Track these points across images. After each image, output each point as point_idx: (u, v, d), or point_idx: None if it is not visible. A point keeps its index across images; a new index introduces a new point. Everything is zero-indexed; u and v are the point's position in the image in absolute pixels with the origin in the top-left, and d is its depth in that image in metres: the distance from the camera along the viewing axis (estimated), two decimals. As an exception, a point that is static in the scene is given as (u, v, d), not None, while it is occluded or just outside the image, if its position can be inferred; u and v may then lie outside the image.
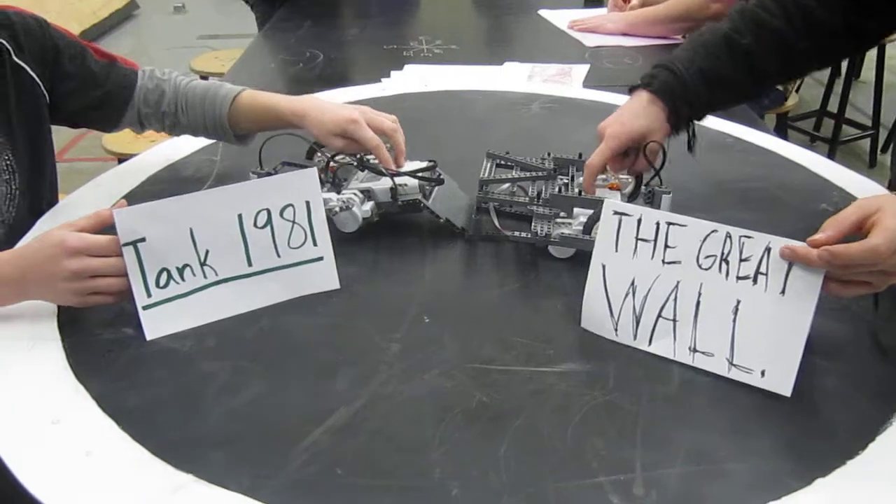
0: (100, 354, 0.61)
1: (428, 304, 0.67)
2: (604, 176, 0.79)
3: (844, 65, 2.65)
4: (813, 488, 0.49)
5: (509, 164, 0.86)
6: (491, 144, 0.87)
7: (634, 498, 0.48)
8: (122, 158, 1.61)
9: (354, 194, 0.75)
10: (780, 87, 1.78)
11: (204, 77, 2.33)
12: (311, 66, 1.41)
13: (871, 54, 2.63)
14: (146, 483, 0.49)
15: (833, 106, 2.66)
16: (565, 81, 1.35)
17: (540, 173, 0.82)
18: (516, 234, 0.75)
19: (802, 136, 2.63)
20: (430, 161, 0.79)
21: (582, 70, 1.40)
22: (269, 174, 0.77)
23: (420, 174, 0.76)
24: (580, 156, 0.83)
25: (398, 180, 0.76)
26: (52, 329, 0.63)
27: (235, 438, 0.53)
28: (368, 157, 0.79)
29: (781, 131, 2.05)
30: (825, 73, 2.77)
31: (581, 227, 0.71)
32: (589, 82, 1.33)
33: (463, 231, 0.78)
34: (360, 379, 0.58)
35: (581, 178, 0.77)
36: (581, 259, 0.70)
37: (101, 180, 0.90)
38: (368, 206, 0.76)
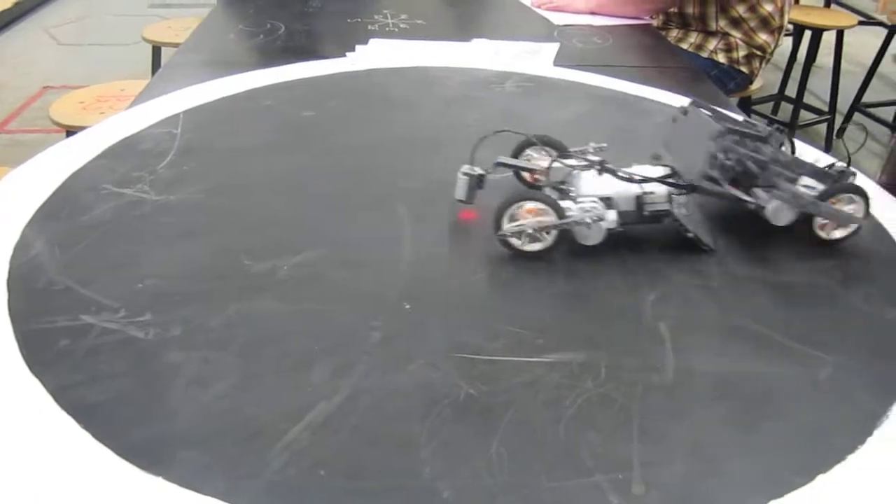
0: (55, 345, 0.56)
1: (408, 290, 0.64)
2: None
3: (804, 50, 2.67)
4: (815, 485, 0.47)
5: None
6: (469, 123, 0.84)
7: (634, 497, 0.46)
8: (70, 131, 1.54)
9: (594, 202, 0.68)
10: (745, 71, 1.78)
11: (157, 46, 2.26)
12: (272, 38, 1.36)
13: (830, 39, 2.66)
14: (111, 487, 0.45)
15: (791, 91, 2.69)
16: (536, 60, 1.32)
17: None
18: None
19: (762, 119, 2.66)
20: (667, 166, 0.72)
21: (551, 49, 1.37)
22: (481, 176, 0.73)
23: (669, 180, 0.70)
24: None
25: (646, 187, 0.69)
26: (1, 316, 0.58)
27: (208, 437, 0.49)
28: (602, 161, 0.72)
29: (744, 115, 2.06)
30: (784, 58, 2.80)
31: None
32: (559, 61, 1.31)
33: (711, 249, 0.71)
34: (340, 370, 0.55)
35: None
36: (569, 245, 0.68)
37: (47, 154, 0.84)
38: (612, 215, 0.69)
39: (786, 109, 2.71)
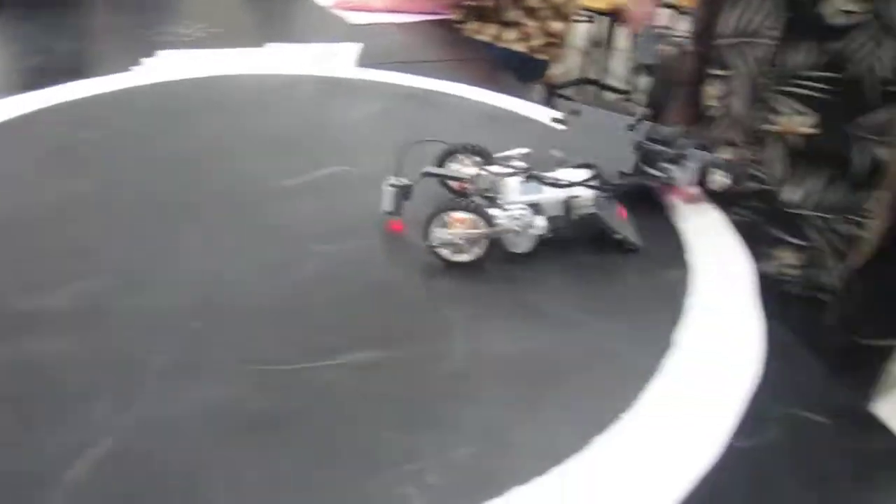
0: None
1: (198, 308, 0.62)
2: None
3: (604, 34, 2.83)
4: (592, 447, 0.50)
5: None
6: (262, 131, 0.82)
7: (429, 486, 0.47)
8: None
9: (523, 209, 0.67)
10: (544, 58, 1.86)
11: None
12: (51, 58, 1.27)
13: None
14: None
15: (594, 74, 2.85)
16: (337, 61, 1.32)
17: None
18: None
19: (568, 103, 2.78)
20: (590, 167, 0.71)
21: (351, 49, 1.37)
22: (407, 187, 0.70)
23: (593, 182, 0.69)
24: None
25: (571, 192, 0.68)
26: None
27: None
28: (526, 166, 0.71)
29: (549, 100, 2.15)
30: (585, 43, 2.96)
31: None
32: (359, 61, 1.31)
33: (637, 249, 0.71)
34: (123, 402, 0.52)
35: None
36: (366, 244, 0.68)
37: None
38: (540, 221, 0.68)
39: (588, 92, 2.87)
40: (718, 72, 0.83)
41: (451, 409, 0.52)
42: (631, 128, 0.75)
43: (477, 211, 0.67)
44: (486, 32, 1.82)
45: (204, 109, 1.01)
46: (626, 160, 0.74)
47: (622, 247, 0.71)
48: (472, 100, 1.08)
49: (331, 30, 1.50)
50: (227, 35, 1.44)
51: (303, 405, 0.52)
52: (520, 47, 1.83)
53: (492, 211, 0.67)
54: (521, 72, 1.81)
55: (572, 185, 0.70)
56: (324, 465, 0.48)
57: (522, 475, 0.48)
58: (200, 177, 0.82)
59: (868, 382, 0.84)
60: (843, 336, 0.77)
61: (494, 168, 0.72)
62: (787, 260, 0.79)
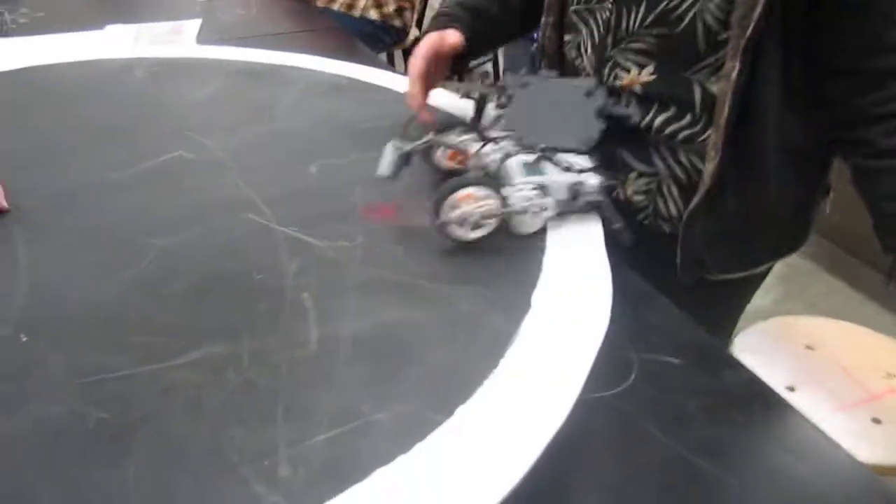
0: None
1: (26, 320, 0.56)
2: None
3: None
4: (456, 417, 0.49)
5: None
6: (92, 122, 0.76)
7: (280, 480, 0.44)
8: None
9: (535, 190, 0.63)
10: (398, 24, 1.84)
11: None
12: None
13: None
14: None
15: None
16: (178, 40, 1.25)
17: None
18: None
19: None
20: (578, 151, 0.68)
21: (193, 26, 1.30)
22: (408, 153, 0.67)
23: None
24: None
25: (580, 177, 0.65)
26: None
27: None
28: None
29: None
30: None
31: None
32: (203, 38, 1.25)
33: (630, 240, 0.67)
34: (-62, 434, 0.47)
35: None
36: (197, 231, 0.64)
37: None
38: (550, 203, 0.64)
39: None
40: (569, 36, 0.84)
41: (304, 398, 0.50)
42: (589, 94, 0.71)
43: (491, 186, 0.63)
44: (338, 1, 1.78)
45: (25, 103, 0.93)
46: (590, 127, 0.70)
47: (615, 238, 0.68)
48: (320, 71, 1.04)
49: (176, 7, 1.42)
50: (59, 19, 1.34)
51: (145, 412, 0.49)
52: (374, 15, 1.79)
53: (508, 190, 0.64)
54: (378, 39, 1.79)
55: (584, 171, 0.67)
56: (171, 471, 0.45)
57: (385, 455, 0.46)
58: (19, 178, 0.75)
59: (718, 318, 0.87)
60: (690, 273, 0.79)
61: (502, 144, 0.68)
62: (637, 187, 0.81)
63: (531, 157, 0.68)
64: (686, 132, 0.76)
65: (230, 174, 0.75)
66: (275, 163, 0.77)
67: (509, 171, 0.67)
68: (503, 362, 0.54)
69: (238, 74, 1.03)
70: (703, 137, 0.75)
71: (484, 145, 0.69)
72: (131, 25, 1.30)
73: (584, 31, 0.81)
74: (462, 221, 0.64)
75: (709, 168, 0.73)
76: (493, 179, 0.66)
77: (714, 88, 0.73)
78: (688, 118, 0.75)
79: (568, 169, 0.67)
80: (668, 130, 0.77)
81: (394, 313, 0.58)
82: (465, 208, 0.63)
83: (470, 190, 0.63)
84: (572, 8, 0.82)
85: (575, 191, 0.67)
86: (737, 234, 0.78)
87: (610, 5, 0.77)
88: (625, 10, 0.76)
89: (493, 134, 0.71)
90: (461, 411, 0.49)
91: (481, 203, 0.63)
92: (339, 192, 0.73)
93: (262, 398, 0.50)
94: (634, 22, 0.75)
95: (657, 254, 0.78)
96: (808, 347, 0.95)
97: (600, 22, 0.79)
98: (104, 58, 1.08)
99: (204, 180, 0.73)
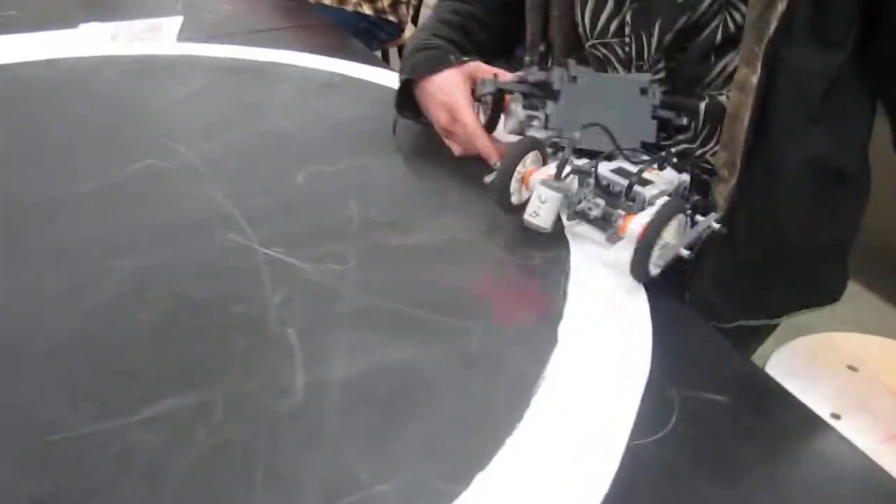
0: None
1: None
2: None
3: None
4: (475, 487, 0.41)
5: None
6: (56, 127, 0.68)
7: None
8: None
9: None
10: (393, 19, 1.75)
11: None
12: None
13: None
14: None
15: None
16: (157, 38, 1.16)
17: None
18: None
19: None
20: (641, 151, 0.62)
21: (174, 23, 1.22)
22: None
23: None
24: None
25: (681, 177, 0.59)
26: None
27: None
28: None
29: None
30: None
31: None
32: (184, 36, 1.16)
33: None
34: None
35: None
36: (168, 251, 0.56)
37: None
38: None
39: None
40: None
41: (289, 462, 0.42)
42: (643, 91, 0.64)
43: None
44: (331, -4, 1.69)
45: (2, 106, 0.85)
46: (646, 128, 0.63)
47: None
48: (309, 68, 0.96)
49: (155, 5, 1.34)
50: (28, 17, 1.25)
51: (97, 480, 0.40)
52: (367, 10, 1.71)
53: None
54: (372, 35, 1.70)
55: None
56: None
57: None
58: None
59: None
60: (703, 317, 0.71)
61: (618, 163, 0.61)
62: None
63: (612, 163, 0.61)
64: (682, 146, 0.69)
65: (207, 185, 0.67)
66: (258, 171, 0.69)
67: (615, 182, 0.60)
68: (529, 413, 0.45)
69: (222, 72, 0.95)
70: (699, 153, 0.67)
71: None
72: (108, 24, 1.22)
73: (604, 65, 0.74)
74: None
75: (722, 190, 0.65)
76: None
77: (722, 98, 0.65)
78: (694, 132, 0.68)
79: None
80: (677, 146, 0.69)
81: (394, 352, 0.50)
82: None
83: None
84: (588, 44, 0.74)
85: (682, 191, 0.62)
86: (752, 271, 0.70)
87: (627, 39, 0.70)
88: (644, 37, 0.68)
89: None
90: (480, 479, 0.41)
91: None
92: (329, 205, 0.65)
93: (238, 462, 0.42)
94: (651, 48, 0.68)
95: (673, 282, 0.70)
96: (851, 368, 0.87)
97: (621, 56, 0.71)
98: (72, 56, 1.00)
99: (177, 192, 0.64)
